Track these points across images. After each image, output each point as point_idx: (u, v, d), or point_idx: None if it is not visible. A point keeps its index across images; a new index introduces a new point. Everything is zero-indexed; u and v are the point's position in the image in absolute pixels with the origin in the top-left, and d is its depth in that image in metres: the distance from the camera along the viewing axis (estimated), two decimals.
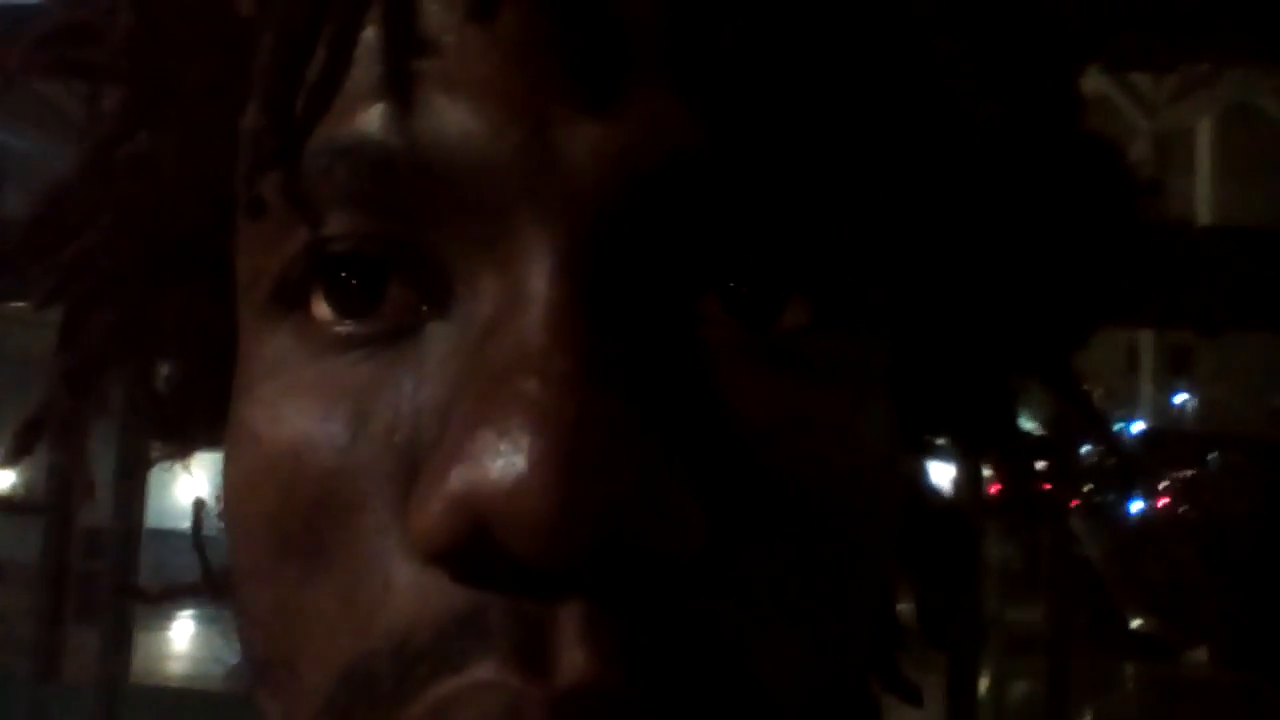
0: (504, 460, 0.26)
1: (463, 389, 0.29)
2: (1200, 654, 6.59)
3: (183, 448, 0.47)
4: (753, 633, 0.30)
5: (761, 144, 0.31)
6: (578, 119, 0.30)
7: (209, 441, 0.45)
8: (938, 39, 0.34)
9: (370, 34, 0.32)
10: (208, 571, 0.49)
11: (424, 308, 0.32)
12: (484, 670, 0.28)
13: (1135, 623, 6.58)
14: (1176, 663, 6.62)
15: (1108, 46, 0.39)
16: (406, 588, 0.29)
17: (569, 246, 0.30)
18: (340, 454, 0.31)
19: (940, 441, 0.45)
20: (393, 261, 0.32)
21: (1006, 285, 0.39)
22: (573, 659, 0.27)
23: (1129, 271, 0.40)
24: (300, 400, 0.32)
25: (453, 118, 0.30)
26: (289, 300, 0.33)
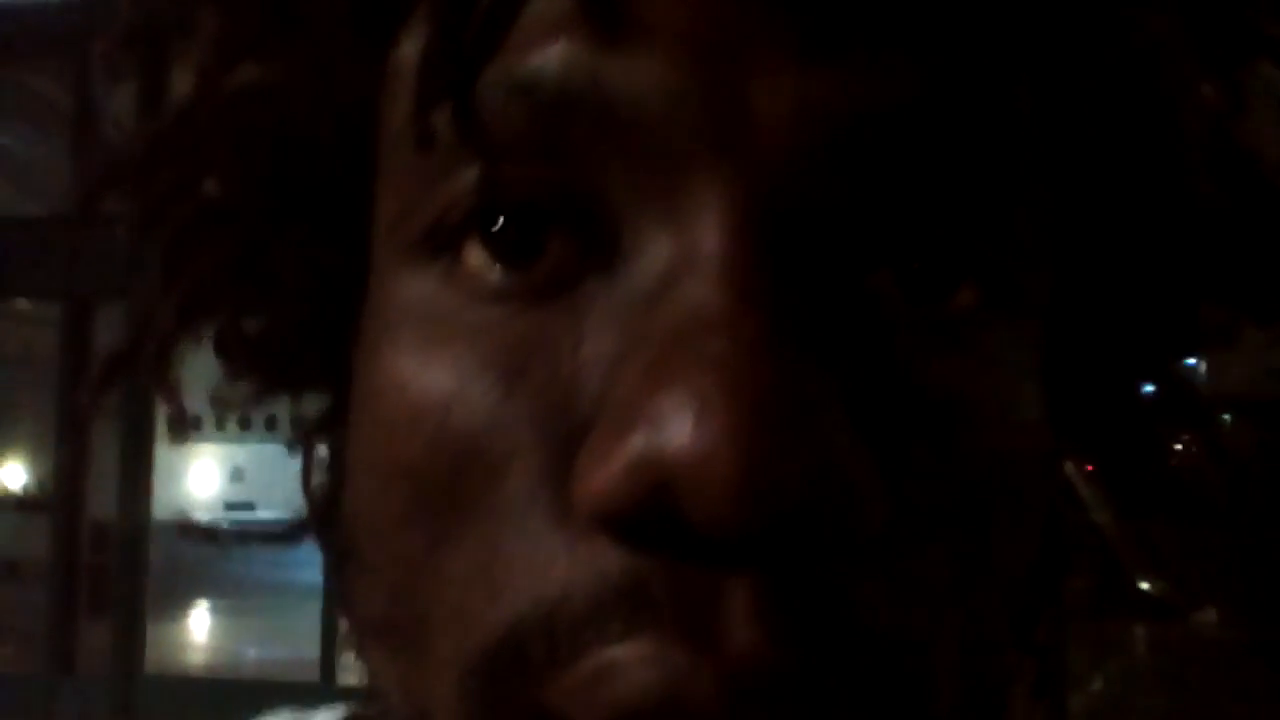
0: (696, 423, 0.25)
1: (633, 348, 0.28)
2: (1209, 614, 6.60)
3: (279, 394, 0.44)
4: (919, 619, 0.30)
5: (970, 111, 0.30)
6: (778, 67, 0.28)
7: (308, 389, 0.43)
8: (1154, 20, 0.33)
9: None
10: (315, 533, 0.45)
11: (585, 262, 0.30)
12: (646, 641, 0.26)
13: (1144, 585, 6.58)
14: (1186, 623, 6.62)
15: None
16: (557, 555, 0.28)
17: (751, 205, 0.28)
18: (492, 410, 0.30)
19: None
20: (557, 211, 0.30)
21: (1164, 285, 0.38)
22: (745, 635, 0.26)
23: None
24: (451, 350, 0.31)
25: (642, 59, 0.28)
26: (441, 243, 0.31)
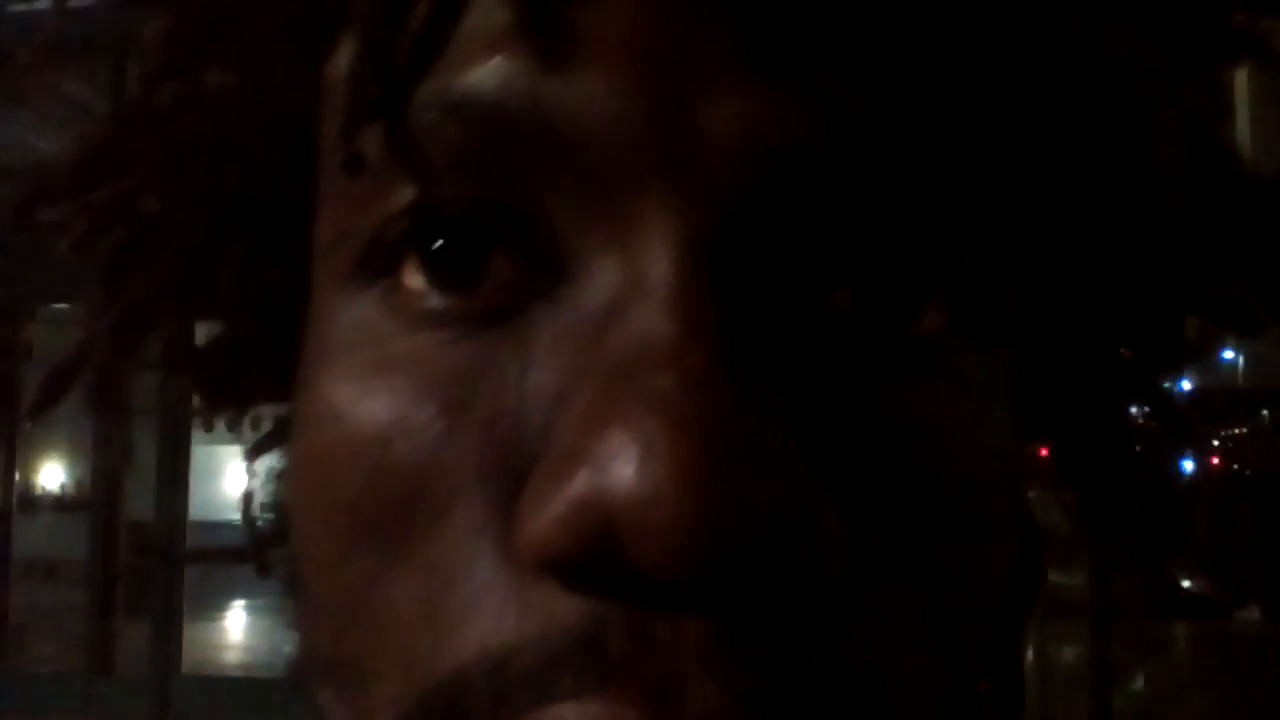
0: (638, 465, 0.24)
1: (578, 380, 0.27)
2: (1252, 612, 6.56)
3: (228, 411, 0.44)
4: (886, 658, 0.28)
5: (924, 126, 0.29)
6: (725, 87, 0.27)
7: (256, 404, 0.43)
8: (1119, 30, 0.32)
9: None
10: (260, 553, 0.47)
11: (530, 286, 0.29)
12: (601, 700, 0.25)
13: (1186, 583, 6.54)
14: (1229, 621, 6.58)
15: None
16: (505, 597, 0.27)
17: (700, 229, 0.27)
18: (434, 442, 0.28)
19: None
20: (499, 232, 0.29)
21: (1134, 297, 0.37)
22: (702, 691, 0.25)
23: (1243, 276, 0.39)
24: (390, 378, 0.29)
25: (583, 77, 0.27)
26: (378, 266, 0.30)
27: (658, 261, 0.26)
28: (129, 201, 0.37)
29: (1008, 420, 0.32)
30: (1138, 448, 0.41)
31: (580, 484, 0.24)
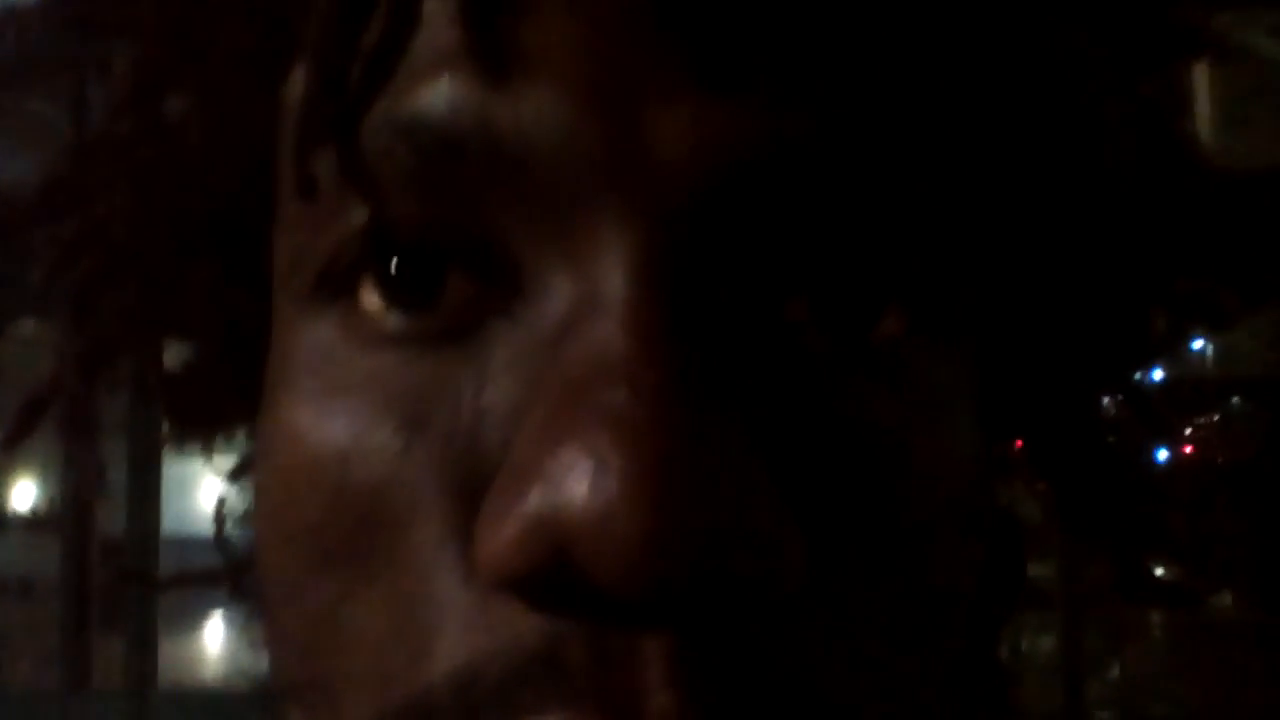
0: (592, 481, 0.24)
1: (534, 396, 0.27)
2: (1225, 599, 6.58)
3: (198, 436, 0.45)
4: (847, 666, 0.28)
5: (872, 136, 0.29)
6: (673, 103, 0.27)
7: (225, 427, 0.43)
8: (1071, 32, 0.32)
9: None
10: (234, 576, 0.47)
11: (486, 304, 0.29)
12: (562, 717, 0.25)
13: (1159, 571, 6.56)
14: (1202, 609, 6.61)
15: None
16: (467, 614, 0.27)
17: (652, 243, 0.27)
18: (392, 461, 0.28)
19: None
20: (454, 251, 0.29)
21: (1099, 293, 0.37)
22: (660, 703, 0.25)
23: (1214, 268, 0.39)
24: (348, 400, 0.30)
25: (531, 95, 0.27)
26: (335, 288, 0.31)
27: (611, 277, 0.27)
28: (98, 230, 0.37)
29: (973, 421, 0.32)
30: (1110, 439, 0.42)
31: (533, 501, 0.25)
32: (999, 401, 0.37)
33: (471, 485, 0.27)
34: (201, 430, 0.44)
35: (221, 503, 0.46)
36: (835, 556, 0.28)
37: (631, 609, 0.25)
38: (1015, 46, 0.31)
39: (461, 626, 0.27)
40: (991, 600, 0.42)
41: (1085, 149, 0.33)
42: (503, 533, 0.25)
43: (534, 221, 0.28)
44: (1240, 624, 6.32)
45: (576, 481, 0.24)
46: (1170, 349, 0.42)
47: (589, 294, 0.27)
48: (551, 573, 0.25)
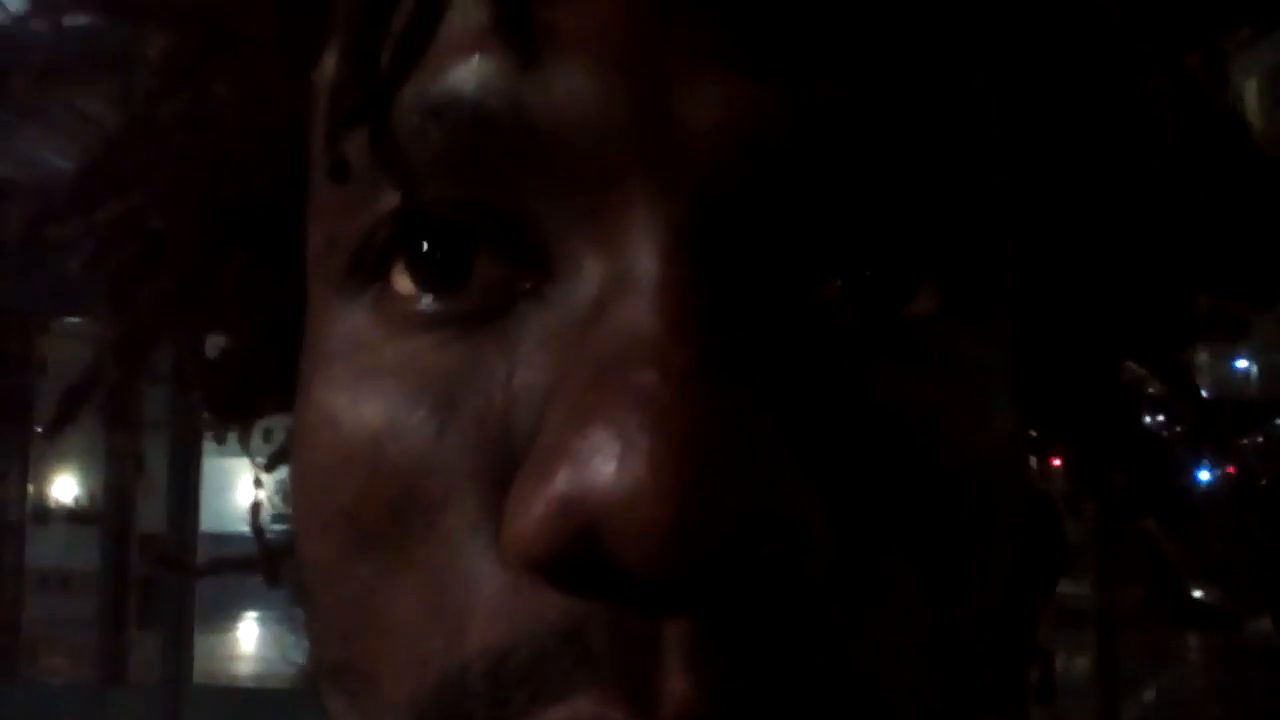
0: (619, 462, 0.24)
1: (564, 377, 0.27)
2: (1264, 622, 6.51)
3: (238, 422, 0.45)
4: (876, 652, 0.28)
5: (901, 109, 0.28)
6: (702, 78, 0.27)
7: (264, 415, 0.43)
8: (1111, 6, 0.31)
9: None
10: (270, 565, 0.47)
11: (517, 285, 0.29)
12: (586, 700, 0.25)
13: (1197, 593, 6.50)
14: (1240, 632, 6.54)
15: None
16: (500, 595, 0.27)
17: (684, 222, 0.27)
18: (426, 444, 0.28)
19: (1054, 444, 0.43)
20: (484, 232, 0.29)
21: (1137, 276, 0.36)
22: (678, 688, 0.25)
23: (1261, 259, 0.38)
24: (381, 383, 0.30)
25: (560, 75, 0.27)
26: (368, 272, 0.31)
27: (642, 256, 0.26)
28: (135, 219, 0.37)
29: (1009, 404, 0.32)
30: (1142, 422, 0.41)
31: (561, 483, 0.24)
32: (1036, 383, 0.36)
33: (504, 467, 0.27)
34: (240, 419, 0.44)
35: (257, 497, 0.46)
36: (865, 539, 0.28)
37: (655, 592, 0.25)
38: (1050, 14, 0.31)
39: (493, 609, 0.27)
40: (1029, 583, 0.42)
41: (1124, 124, 0.33)
42: (530, 514, 0.25)
43: (565, 201, 0.28)
44: (1278, 649, 6.25)
45: (604, 463, 0.24)
46: (1211, 331, 0.41)
47: (620, 274, 0.27)
48: (579, 555, 0.25)
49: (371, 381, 0.30)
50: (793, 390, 0.27)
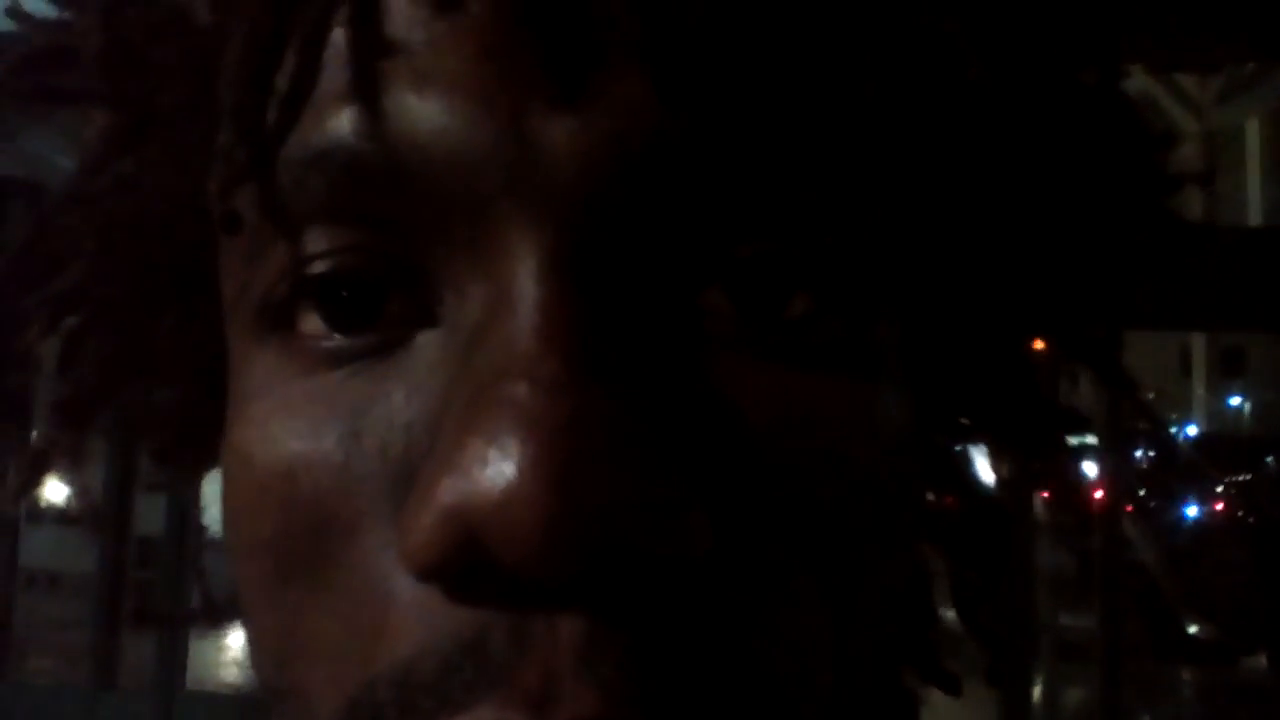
0: (493, 469, 0.25)
1: (451, 398, 0.29)
2: (1259, 659, 6.50)
3: (186, 470, 0.47)
4: (765, 635, 0.29)
5: (742, 127, 0.30)
6: (553, 110, 0.29)
7: (210, 463, 0.44)
8: (943, 20, 0.32)
9: (338, 36, 0.31)
10: (208, 598, 0.48)
11: (416, 317, 0.31)
12: (487, 709, 0.27)
13: (1193, 628, 6.49)
14: (1235, 668, 6.52)
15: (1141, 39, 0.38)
16: (409, 609, 0.28)
17: (554, 242, 0.29)
18: (335, 473, 0.30)
19: (971, 427, 0.44)
20: (380, 272, 0.31)
21: (1022, 263, 0.38)
22: (574, 692, 0.26)
23: (1164, 264, 0.39)
24: (291, 420, 0.31)
25: (424, 115, 0.29)
26: (275, 317, 0.33)
27: (518, 278, 0.28)
28: (76, 293, 0.40)
29: (895, 395, 0.33)
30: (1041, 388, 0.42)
31: (444, 493, 0.26)
32: (948, 369, 0.38)
33: (406, 488, 0.29)
34: (188, 468, 0.46)
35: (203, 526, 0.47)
36: (750, 532, 0.29)
37: (543, 589, 0.26)
38: (883, 39, 0.32)
39: (403, 623, 0.28)
40: (904, 620, 0.43)
41: (978, 136, 0.34)
42: (419, 526, 0.27)
43: (445, 233, 0.30)
44: (1273, 686, 6.23)
45: (481, 471, 0.26)
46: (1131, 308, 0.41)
47: (501, 296, 0.29)
48: (468, 561, 0.26)
49: (282, 419, 0.31)
50: (667, 391, 0.29)
